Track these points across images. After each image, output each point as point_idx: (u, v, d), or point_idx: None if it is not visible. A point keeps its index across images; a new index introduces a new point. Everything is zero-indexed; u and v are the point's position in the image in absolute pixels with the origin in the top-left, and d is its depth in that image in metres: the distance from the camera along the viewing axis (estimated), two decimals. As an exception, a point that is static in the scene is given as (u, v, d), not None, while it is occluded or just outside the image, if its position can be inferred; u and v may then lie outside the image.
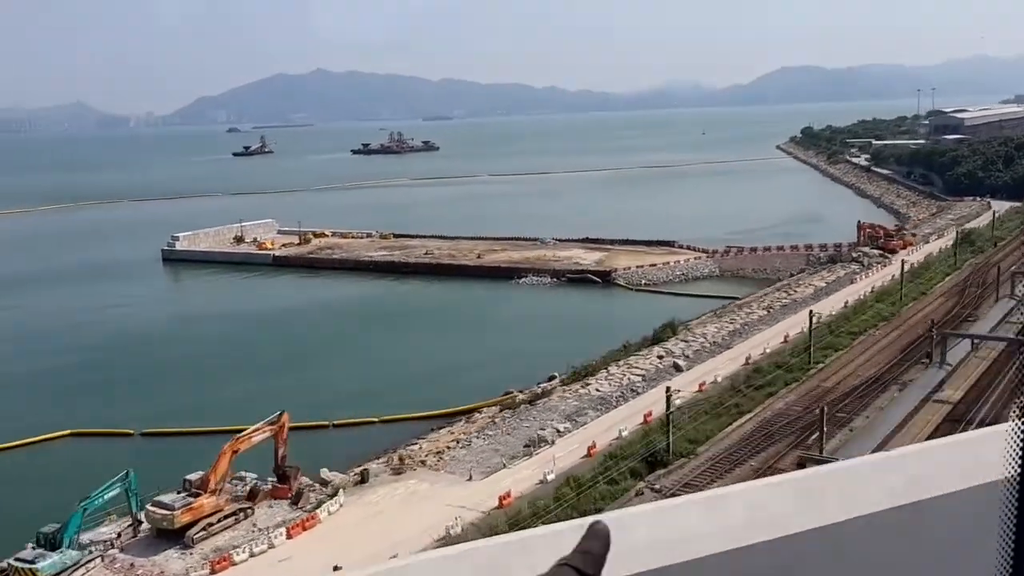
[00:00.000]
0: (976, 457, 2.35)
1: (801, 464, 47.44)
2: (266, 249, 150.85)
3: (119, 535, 44.66)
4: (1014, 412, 1.86)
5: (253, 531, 45.20)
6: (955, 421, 54.24)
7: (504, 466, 52.19)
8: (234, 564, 41.77)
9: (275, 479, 49.81)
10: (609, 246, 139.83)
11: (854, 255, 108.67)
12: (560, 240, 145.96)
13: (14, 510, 52.88)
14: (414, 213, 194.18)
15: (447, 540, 42.22)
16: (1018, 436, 1.96)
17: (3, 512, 53.43)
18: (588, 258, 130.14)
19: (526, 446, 55.22)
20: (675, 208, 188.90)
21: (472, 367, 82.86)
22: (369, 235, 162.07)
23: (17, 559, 42.07)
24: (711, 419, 58.35)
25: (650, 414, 58.03)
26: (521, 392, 69.01)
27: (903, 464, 2.37)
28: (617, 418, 59.32)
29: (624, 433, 55.89)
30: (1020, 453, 1.95)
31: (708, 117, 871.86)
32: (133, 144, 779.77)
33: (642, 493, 48.24)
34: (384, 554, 39.94)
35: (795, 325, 77.84)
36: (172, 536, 44.17)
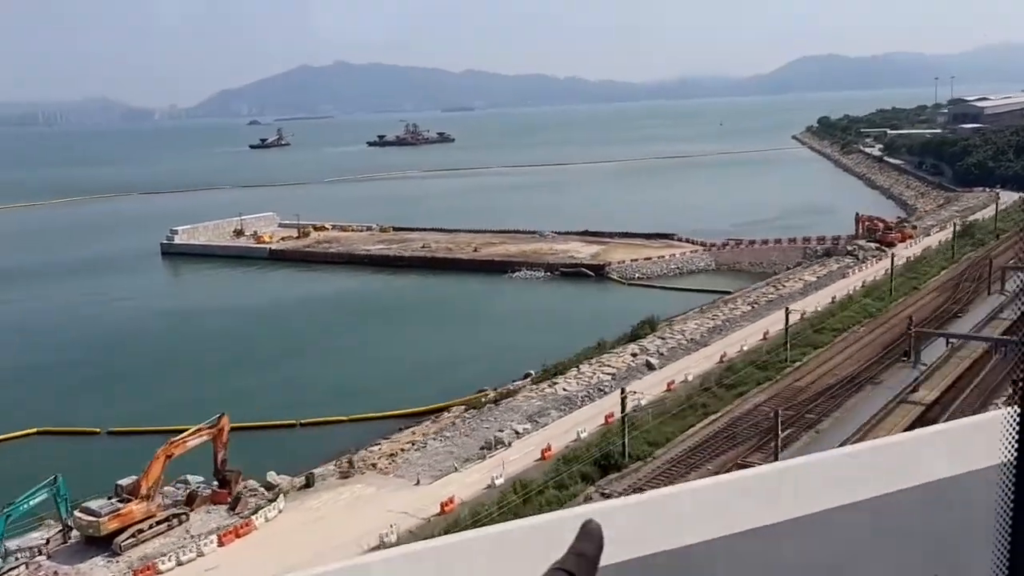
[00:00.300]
0: (918, 455, 2.40)
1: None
2: (264, 243, 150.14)
3: (48, 541, 43.63)
4: (1010, 399, 1.83)
5: (186, 538, 44.01)
6: (928, 423, 52.21)
7: (456, 469, 50.78)
8: (159, 573, 40.62)
9: (217, 483, 48.58)
10: (608, 239, 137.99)
11: (849, 249, 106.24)
12: (559, 233, 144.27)
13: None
14: (420, 205, 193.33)
15: (380, 549, 40.85)
16: (1014, 422, 1.96)
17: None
18: (585, 251, 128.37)
19: (482, 448, 53.80)
20: (682, 199, 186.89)
21: (454, 363, 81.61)
22: (369, 228, 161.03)
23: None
24: (675, 420, 56.66)
25: (611, 415, 56.37)
26: (494, 390, 67.76)
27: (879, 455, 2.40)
28: (580, 419, 57.75)
29: (583, 435, 54.32)
30: (1017, 438, 1.96)
31: (728, 107, 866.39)
32: (154, 137, 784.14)
33: (591, 498, 46.62)
34: (313, 563, 38.51)
35: (778, 322, 75.48)
36: (101, 543, 43.07)
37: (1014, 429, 1.96)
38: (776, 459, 47.00)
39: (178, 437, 46.80)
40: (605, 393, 62.34)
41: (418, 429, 60.18)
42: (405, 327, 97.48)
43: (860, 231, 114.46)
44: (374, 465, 52.01)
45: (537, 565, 1.57)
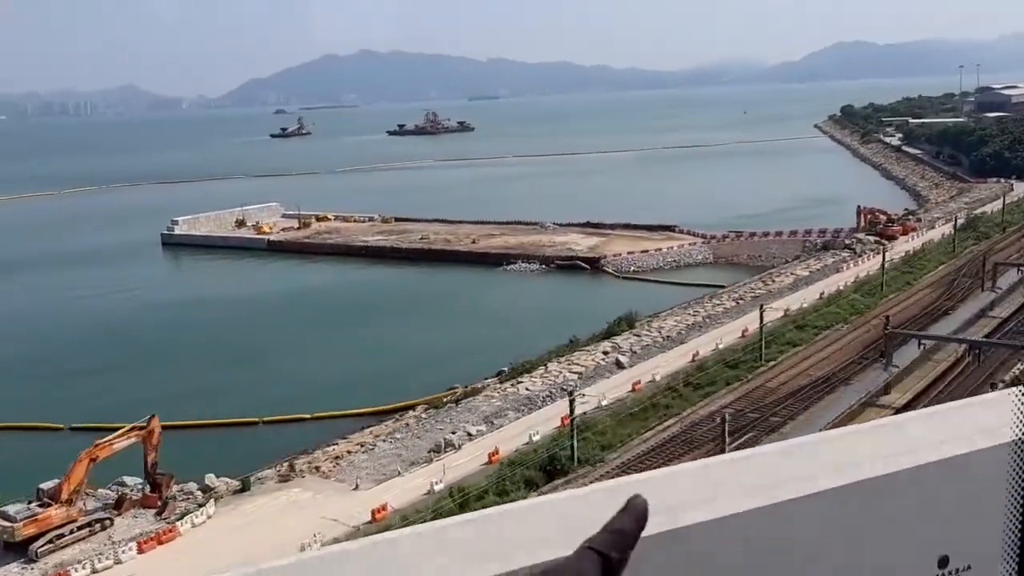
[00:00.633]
0: (925, 433, 2.38)
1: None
2: (264, 233, 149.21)
3: (-36, 547, 42.48)
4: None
5: (107, 544, 42.64)
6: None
7: (399, 473, 49.07)
8: (72, 581, 39.29)
9: (149, 486, 47.18)
10: (609, 231, 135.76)
11: (847, 242, 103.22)
12: (560, 225, 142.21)
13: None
14: (428, 195, 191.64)
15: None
16: None
17: None
18: (584, 243, 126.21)
19: (431, 451, 52.04)
20: (691, 189, 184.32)
21: (434, 359, 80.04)
22: (371, 219, 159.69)
23: None
24: (634, 421, 54.65)
25: (568, 417, 54.36)
26: (464, 388, 66.05)
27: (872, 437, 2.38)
28: (538, 420, 55.89)
29: (535, 438, 52.45)
30: None
31: (754, 95, 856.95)
32: (180, 126, 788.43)
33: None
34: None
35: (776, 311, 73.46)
36: (18, 549, 41.80)
37: None
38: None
39: (104, 439, 45.41)
40: (568, 393, 60.21)
41: (375, 429, 58.52)
42: (391, 321, 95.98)
43: (862, 224, 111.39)
44: (317, 468, 50.42)
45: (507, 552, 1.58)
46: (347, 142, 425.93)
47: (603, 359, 66.62)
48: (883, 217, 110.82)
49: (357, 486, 47.71)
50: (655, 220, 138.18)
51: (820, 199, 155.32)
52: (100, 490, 48.25)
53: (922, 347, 56.47)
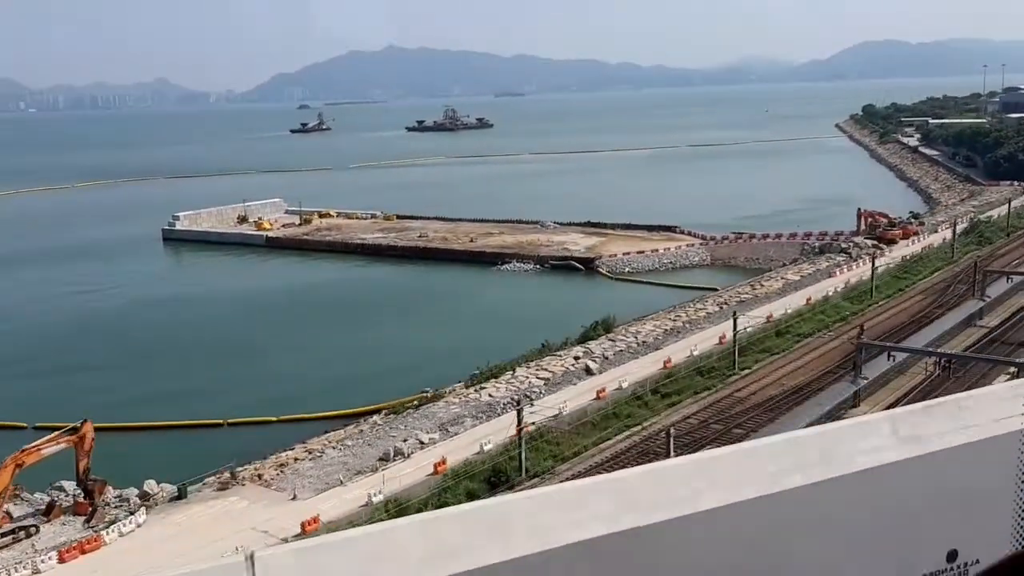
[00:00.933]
0: (925, 425, 2.44)
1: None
2: (263, 230, 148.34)
3: None
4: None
5: (29, 552, 41.46)
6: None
7: (341, 483, 47.57)
8: (-16, 591, 38.14)
9: (83, 493, 45.97)
10: (609, 230, 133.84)
11: (842, 246, 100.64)
12: (561, 224, 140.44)
13: None
14: (438, 192, 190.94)
15: None
16: None
17: None
18: (582, 243, 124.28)
19: (380, 459, 50.51)
20: (698, 189, 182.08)
21: (414, 360, 78.54)
22: (373, 216, 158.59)
23: None
24: (594, 431, 52.89)
25: (528, 425, 52.64)
26: (435, 391, 64.54)
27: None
28: (495, 428, 54.11)
29: (487, 447, 50.76)
30: None
31: (780, 93, 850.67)
32: (204, 120, 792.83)
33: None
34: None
35: (741, 324, 71.26)
36: (-63, 556, 40.72)
37: None
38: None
39: (32, 444, 44.24)
40: (531, 400, 58.59)
41: (331, 435, 57.05)
42: (378, 321, 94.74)
43: (862, 227, 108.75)
44: (260, 476, 49.02)
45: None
46: (363, 138, 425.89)
47: (573, 365, 64.82)
48: (884, 220, 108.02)
49: (295, 496, 46.28)
50: (660, 220, 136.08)
51: (828, 200, 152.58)
52: (36, 494, 47.14)
53: (891, 359, 54.26)
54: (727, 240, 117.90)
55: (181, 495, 46.75)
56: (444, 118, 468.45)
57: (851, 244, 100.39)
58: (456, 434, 53.64)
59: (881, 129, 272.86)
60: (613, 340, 69.89)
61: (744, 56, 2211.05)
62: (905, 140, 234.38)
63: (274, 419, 66.69)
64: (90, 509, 44.54)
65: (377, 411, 63.81)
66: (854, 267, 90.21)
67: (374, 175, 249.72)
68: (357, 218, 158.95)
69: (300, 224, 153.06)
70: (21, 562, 40.08)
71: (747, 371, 61.98)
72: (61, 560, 40.43)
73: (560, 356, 66.63)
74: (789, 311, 75.21)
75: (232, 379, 78.14)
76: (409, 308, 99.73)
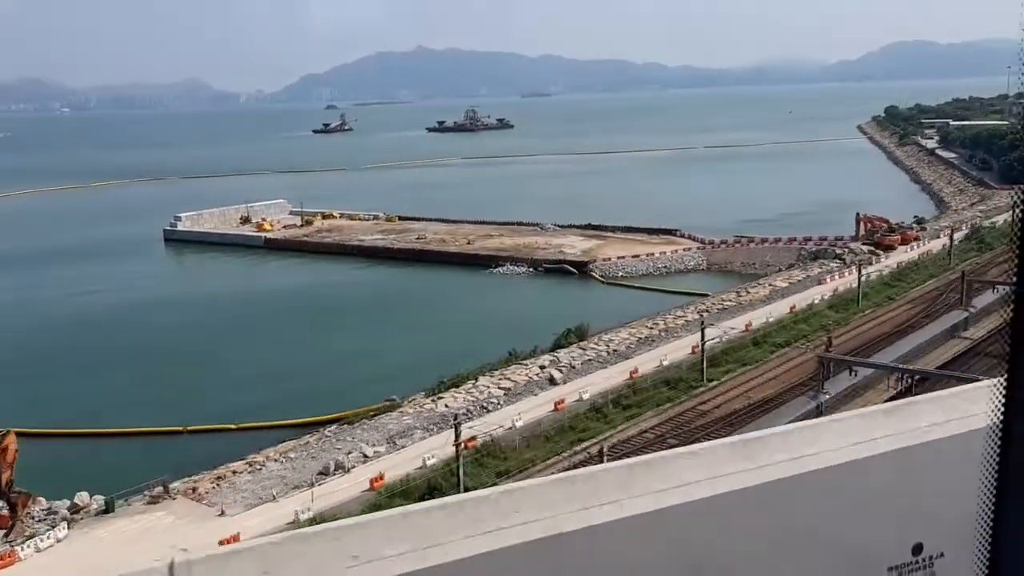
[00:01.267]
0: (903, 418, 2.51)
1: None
2: (264, 231, 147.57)
3: None
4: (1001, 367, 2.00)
5: (-60, 567, 40.23)
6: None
7: (274, 498, 46.01)
8: None
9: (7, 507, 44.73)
10: (609, 233, 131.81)
11: (837, 252, 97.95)
12: (561, 226, 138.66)
13: None
14: (448, 193, 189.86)
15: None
16: (1001, 389, 2.06)
17: None
18: (580, 246, 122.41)
19: (320, 473, 48.93)
20: (709, 191, 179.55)
21: (390, 367, 76.91)
22: (376, 217, 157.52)
23: None
24: (547, 444, 51.04)
25: (473, 440, 50.98)
26: (402, 399, 63.00)
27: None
28: (443, 441, 52.19)
29: (430, 461, 49.04)
30: (1002, 404, 2.05)
31: (807, 94, 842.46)
32: (231, 120, 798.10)
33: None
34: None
35: (718, 333, 69.17)
36: None
37: (1001, 395, 2.02)
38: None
39: (-50, 455, 43.06)
40: (488, 411, 56.87)
41: (283, 447, 55.51)
42: (363, 324, 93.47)
43: (861, 232, 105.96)
44: (194, 489, 47.58)
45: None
46: (384, 138, 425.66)
47: (538, 374, 62.94)
48: (883, 225, 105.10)
49: (223, 512, 44.80)
50: (665, 223, 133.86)
51: (837, 204, 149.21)
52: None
53: (854, 374, 51.91)
54: (724, 244, 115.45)
55: (109, 508, 45.39)
56: (465, 119, 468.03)
57: (846, 250, 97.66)
58: (403, 447, 51.99)
59: (901, 131, 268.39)
60: (584, 349, 67.96)
61: (772, 56, 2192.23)
62: (924, 142, 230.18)
63: (233, 427, 65.35)
64: (10, 523, 43.29)
65: (337, 420, 62.40)
66: (846, 274, 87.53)
67: (389, 176, 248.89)
68: (360, 219, 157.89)
69: (301, 225, 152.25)
70: (-71, 578, 38.88)
71: (715, 383, 59.79)
72: (-29, 576, 39.20)
73: (526, 365, 64.77)
74: (770, 319, 72.92)
75: (205, 384, 77.05)
76: (395, 312, 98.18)
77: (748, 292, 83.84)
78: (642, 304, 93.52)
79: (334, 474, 48.53)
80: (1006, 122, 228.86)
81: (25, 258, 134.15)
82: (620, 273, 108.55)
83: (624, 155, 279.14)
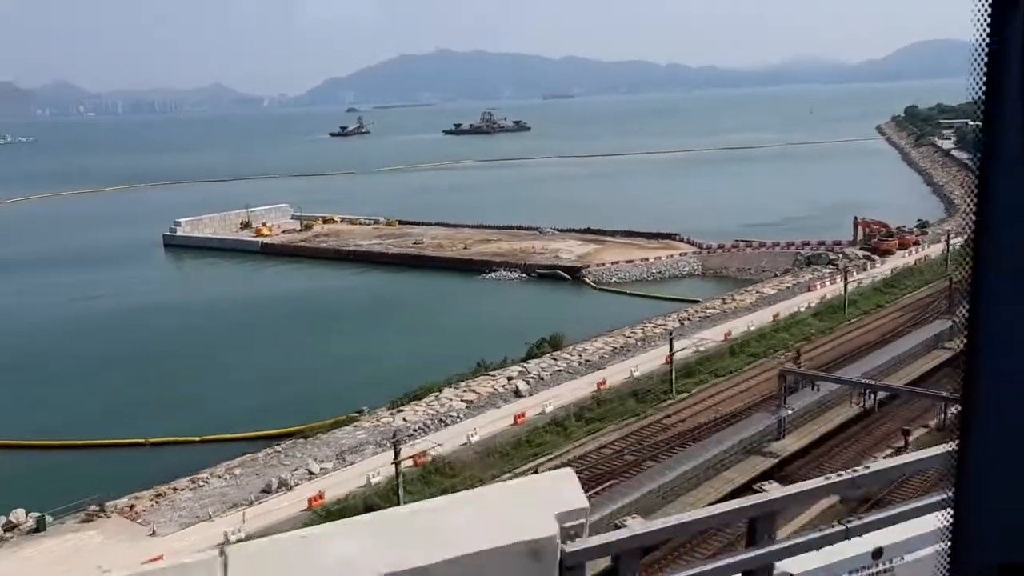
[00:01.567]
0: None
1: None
2: (262, 236, 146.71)
3: None
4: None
5: None
6: (782, 478, 43.50)
7: (209, 518, 44.52)
8: None
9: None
10: (608, 237, 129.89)
11: (831, 257, 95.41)
12: (560, 230, 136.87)
13: None
14: (454, 197, 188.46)
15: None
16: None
17: None
18: (577, 251, 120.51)
19: (262, 491, 47.40)
20: (716, 194, 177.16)
21: (370, 376, 75.56)
22: (376, 222, 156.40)
23: None
24: (501, 461, 49.26)
25: (423, 455, 49.30)
26: (370, 410, 61.47)
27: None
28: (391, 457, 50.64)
29: (375, 479, 47.39)
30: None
31: (830, 94, 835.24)
32: (253, 124, 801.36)
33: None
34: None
35: (696, 343, 67.12)
36: None
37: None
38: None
39: None
40: (446, 425, 55.15)
41: (235, 461, 54.00)
42: (350, 331, 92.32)
43: (859, 236, 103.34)
44: (132, 507, 46.21)
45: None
46: (400, 141, 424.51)
47: (504, 385, 61.13)
48: (882, 230, 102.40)
49: (154, 532, 43.37)
50: (667, 226, 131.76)
51: (844, 207, 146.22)
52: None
53: (816, 389, 49.73)
54: (721, 249, 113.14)
55: (39, 527, 44.11)
56: (481, 121, 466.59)
57: (840, 255, 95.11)
58: (352, 463, 50.37)
59: (918, 132, 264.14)
60: (556, 359, 66.08)
61: (796, 56, 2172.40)
62: (940, 143, 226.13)
63: (196, 439, 64.08)
64: (-63, 541, 42.17)
65: (294, 434, 60.93)
66: (838, 280, 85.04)
67: (399, 179, 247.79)
68: (359, 223, 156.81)
69: (301, 230, 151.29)
70: None
71: (684, 395, 57.75)
72: None
73: (494, 376, 62.99)
74: (752, 328, 70.72)
75: (183, 393, 75.90)
76: (383, 319, 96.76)
77: (734, 299, 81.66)
78: (632, 311, 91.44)
79: (276, 492, 47.02)
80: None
81: (25, 263, 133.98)
82: (613, 279, 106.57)
83: (638, 157, 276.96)
